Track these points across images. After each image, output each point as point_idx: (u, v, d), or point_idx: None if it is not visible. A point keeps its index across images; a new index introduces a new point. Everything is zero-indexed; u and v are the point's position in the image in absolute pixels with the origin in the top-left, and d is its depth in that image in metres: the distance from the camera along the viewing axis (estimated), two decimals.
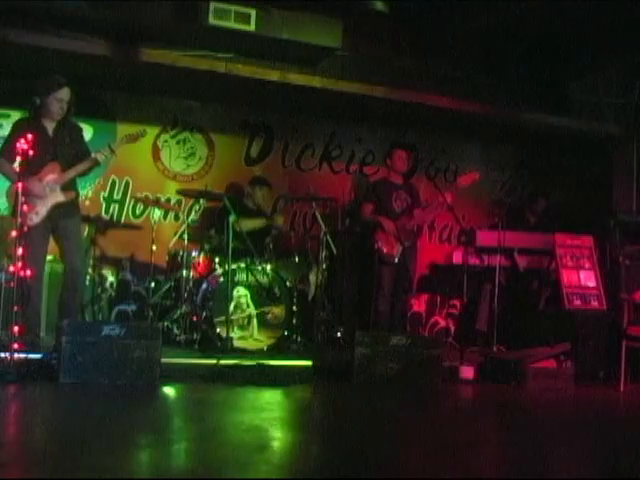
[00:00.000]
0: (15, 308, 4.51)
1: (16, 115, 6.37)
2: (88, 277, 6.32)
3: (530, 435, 3.86)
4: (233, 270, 5.85)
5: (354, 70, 6.77)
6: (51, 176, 5.21)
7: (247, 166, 7.50)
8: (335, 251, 6.55)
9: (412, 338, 5.39)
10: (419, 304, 7.80)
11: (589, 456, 3.63)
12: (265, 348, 5.85)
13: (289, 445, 3.47)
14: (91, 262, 6.51)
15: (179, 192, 6.74)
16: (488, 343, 6.70)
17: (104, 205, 7.04)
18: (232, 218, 5.83)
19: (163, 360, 4.71)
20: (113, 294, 6.88)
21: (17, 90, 6.09)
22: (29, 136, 4.72)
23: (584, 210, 7.83)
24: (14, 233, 4.58)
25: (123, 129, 6.86)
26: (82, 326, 4.79)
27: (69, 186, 5.33)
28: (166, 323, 5.95)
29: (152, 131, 6.90)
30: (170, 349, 5.37)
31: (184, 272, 6.08)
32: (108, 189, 7.05)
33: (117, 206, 7.09)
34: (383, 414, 4.29)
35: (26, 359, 4.62)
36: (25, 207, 4.69)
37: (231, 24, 5.78)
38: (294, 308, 6.09)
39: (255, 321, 5.91)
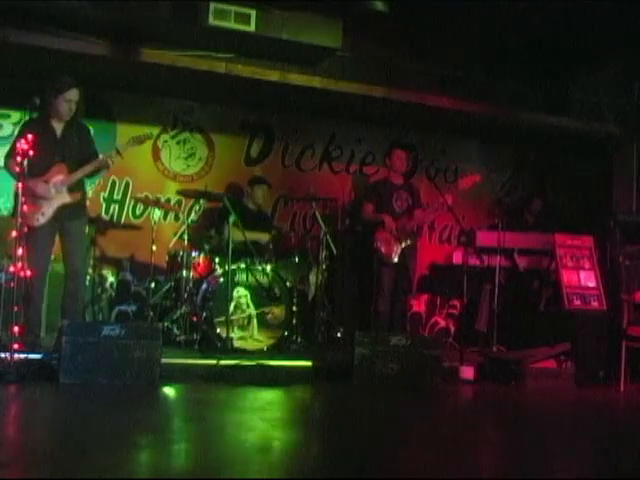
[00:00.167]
0: (15, 308, 4.51)
1: (16, 115, 6.38)
2: (88, 277, 6.32)
3: (530, 435, 3.86)
4: (233, 270, 5.85)
5: (354, 70, 6.77)
6: (58, 177, 5.20)
7: (247, 166, 7.50)
8: (335, 251, 6.55)
9: (412, 338, 5.40)
10: (419, 304, 7.79)
11: (589, 456, 3.63)
12: (265, 348, 5.84)
13: (289, 445, 3.47)
14: (91, 262, 6.51)
15: (179, 192, 6.75)
16: (488, 343, 6.71)
17: (104, 205, 7.04)
18: (232, 218, 5.84)
19: (163, 360, 4.71)
20: (113, 294, 6.87)
21: (17, 90, 6.08)
22: (29, 136, 4.73)
23: (584, 210, 7.84)
24: (14, 233, 4.58)
25: (123, 129, 6.87)
26: (82, 326, 4.78)
27: (76, 187, 5.31)
28: (166, 323, 5.94)
29: (152, 131, 6.88)
30: (170, 349, 5.36)
31: (184, 272, 6.07)
32: (108, 189, 7.05)
33: (117, 206, 7.10)
34: (383, 414, 4.30)
35: (26, 359, 4.63)
36: (25, 207, 4.69)
37: (231, 24, 5.77)
38: (294, 308, 6.09)
39: (255, 321, 5.91)
